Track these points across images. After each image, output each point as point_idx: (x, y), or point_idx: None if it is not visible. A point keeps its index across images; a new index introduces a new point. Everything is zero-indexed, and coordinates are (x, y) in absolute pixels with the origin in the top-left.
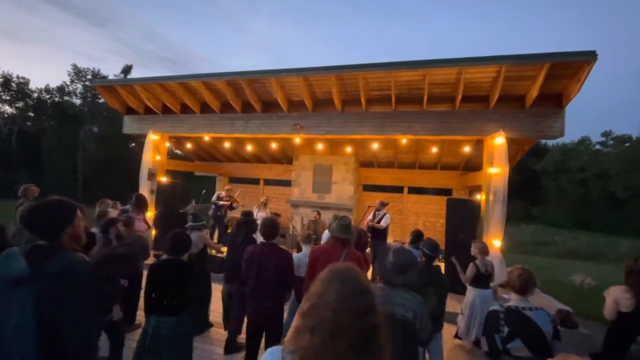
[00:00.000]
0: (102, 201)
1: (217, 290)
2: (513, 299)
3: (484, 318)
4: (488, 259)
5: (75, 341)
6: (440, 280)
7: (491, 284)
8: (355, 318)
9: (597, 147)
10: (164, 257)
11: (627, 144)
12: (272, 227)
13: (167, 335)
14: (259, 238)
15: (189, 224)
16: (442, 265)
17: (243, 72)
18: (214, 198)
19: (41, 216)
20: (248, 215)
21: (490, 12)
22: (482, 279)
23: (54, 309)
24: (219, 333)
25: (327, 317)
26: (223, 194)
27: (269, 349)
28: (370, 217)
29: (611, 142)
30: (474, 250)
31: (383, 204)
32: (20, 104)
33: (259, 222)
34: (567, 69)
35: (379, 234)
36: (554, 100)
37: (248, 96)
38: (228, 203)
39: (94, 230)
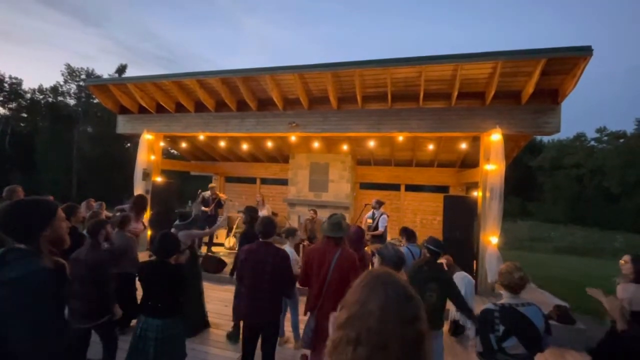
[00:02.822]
0: (87, 202)
1: (213, 291)
2: (505, 297)
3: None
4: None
5: (24, 354)
6: (442, 276)
7: (488, 280)
8: (402, 327)
9: (592, 143)
10: (153, 258)
11: (621, 140)
12: (269, 226)
13: (153, 338)
14: None
15: (177, 223)
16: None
17: (238, 70)
18: (198, 200)
19: (16, 218)
20: (252, 211)
21: (487, 12)
22: None
23: (1, 319)
24: (216, 334)
25: (372, 327)
26: (208, 194)
27: None
28: (369, 214)
29: (606, 138)
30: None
31: (379, 203)
32: (13, 105)
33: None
34: (562, 64)
35: (378, 235)
36: (549, 97)
37: (243, 94)
38: (209, 209)
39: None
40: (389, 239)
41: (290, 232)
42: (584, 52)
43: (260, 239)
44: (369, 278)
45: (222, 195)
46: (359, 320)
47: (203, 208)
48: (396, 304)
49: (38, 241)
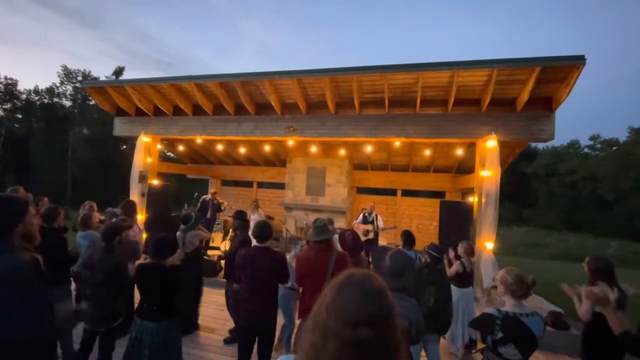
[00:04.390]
0: (85, 203)
1: (209, 294)
2: (509, 304)
3: (468, 317)
4: (473, 259)
5: (21, 342)
6: (443, 281)
7: (484, 286)
8: (344, 328)
9: (586, 150)
10: (148, 260)
11: (614, 147)
12: (264, 230)
13: (147, 342)
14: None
15: (182, 227)
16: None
17: (236, 74)
18: (198, 204)
19: None
20: (243, 215)
21: (484, 15)
22: (466, 278)
23: None
24: (209, 338)
25: (321, 320)
26: (209, 196)
27: (281, 357)
28: (359, 219)
29: (599, 145)
30: (460, 249)
31: (372, 208)
32: (8, 106)
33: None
34: (557, 73)
35: (372, 238)
36: (544, 104)
37: (241, 98)
38: (215, 205)
39: (80, 234)
40: (385, 242)
41: (293, 241)
42: (577, 61)
43: (257, 243)
44: (339, 277)
45: (225, 203)
46: (317, 316)
47: (211, 201)
48: (344, 303)
49: (11, 237)
